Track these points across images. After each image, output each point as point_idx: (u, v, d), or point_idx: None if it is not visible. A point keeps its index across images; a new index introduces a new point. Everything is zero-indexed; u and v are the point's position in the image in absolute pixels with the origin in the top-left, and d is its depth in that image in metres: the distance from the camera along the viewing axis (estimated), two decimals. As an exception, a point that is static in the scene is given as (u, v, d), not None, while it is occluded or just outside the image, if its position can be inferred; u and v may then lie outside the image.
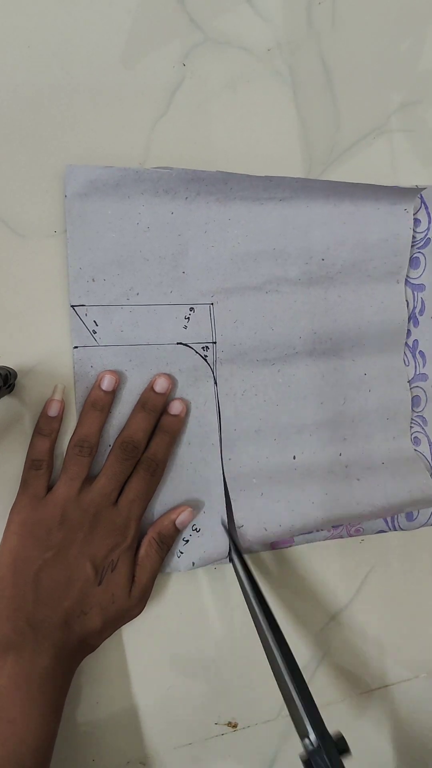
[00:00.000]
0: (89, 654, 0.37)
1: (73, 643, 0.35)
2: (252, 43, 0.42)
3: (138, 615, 0.38)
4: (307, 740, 0.32)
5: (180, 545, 0.39)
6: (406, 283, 0.46)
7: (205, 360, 0.40)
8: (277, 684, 0.35)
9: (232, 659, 0.43)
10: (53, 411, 0.37)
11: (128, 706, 0.41)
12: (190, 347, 0.40)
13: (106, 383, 0.38)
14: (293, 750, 0.44)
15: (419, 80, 0.47)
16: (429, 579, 0.47)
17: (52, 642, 0.34)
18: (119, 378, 0.38)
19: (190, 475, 0.40)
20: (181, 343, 0.40)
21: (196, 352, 0.40)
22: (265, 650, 0.36)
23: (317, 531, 0.43)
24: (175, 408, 0.39)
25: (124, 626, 0.40)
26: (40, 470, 0.36)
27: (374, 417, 0.44)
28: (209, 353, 0.41)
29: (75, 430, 0.38)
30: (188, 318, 0.40)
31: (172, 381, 0.39)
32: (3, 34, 0.38)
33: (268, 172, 0.40)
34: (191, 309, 0.40)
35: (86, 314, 0.38)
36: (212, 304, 0.41)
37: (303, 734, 0.32)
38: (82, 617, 0.35)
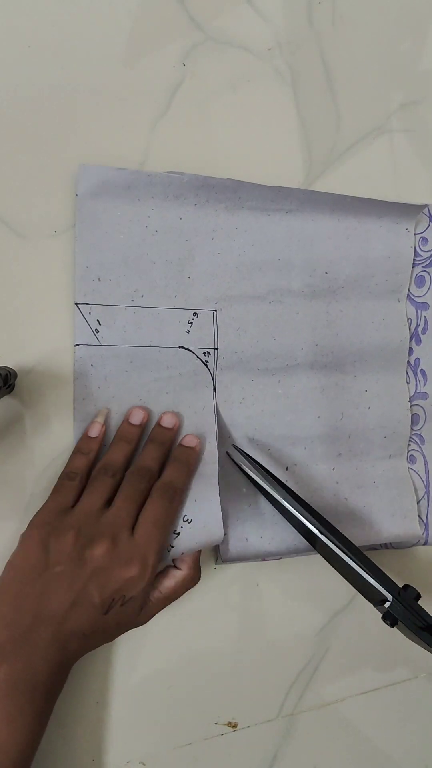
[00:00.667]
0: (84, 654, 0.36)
1: (70, 660, 0.34)
2: (252, 43, 0.42)
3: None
4: (383, 603, 0.36)
5: (171, 538, 0.38)
6: (410, 301, 0.46)
7: (206, 365, 0.41)
8: (335, 567, 0.37)
9: (232, 659, 0.43)
10: (94, 432, 0.38)
11: (128, 706, 0.41)
12: (191, 352, 0.40)
13: (135, 418, 0.38)
14: (293, 750, 0.44)
15: (419, 80, 0.47)
16: (429, 578, 0.47)
17: (46, 660, 0.33)
18: (148, 414, 0.39)
19: None
20: (182, 347, 0.40)
21: (198, 357, 0.40)
22: (310, 540, 0.38)
23: (297, 547, 0.42)
24: (190, 441, 0.39)
25: (124, 626, 0.40)
26: (73, 481, 0.36)
27: (372, 435, 0.44)
28: (210, 359, 0.41)
29: (105, 455, 0.38)
30: (191, 323, 0.40)
31: (179, 417, 0.40)
32: (3, 34, 0.38)
33: (269, 171, 0.40)
34: (195, 314, 0.40)
35: (90, 313, 0.39)
36: (216, 310, 0.41)
37: (377, 598, 0.36)
38: (82, 639, 0.34)
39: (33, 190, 0.38)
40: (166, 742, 0.42)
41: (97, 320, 0.39)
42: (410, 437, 0.46)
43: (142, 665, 0.41)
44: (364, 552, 0.38)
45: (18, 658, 0.32)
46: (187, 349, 0.40)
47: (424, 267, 0.46)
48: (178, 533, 0.38)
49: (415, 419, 0.46)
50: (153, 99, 0.40)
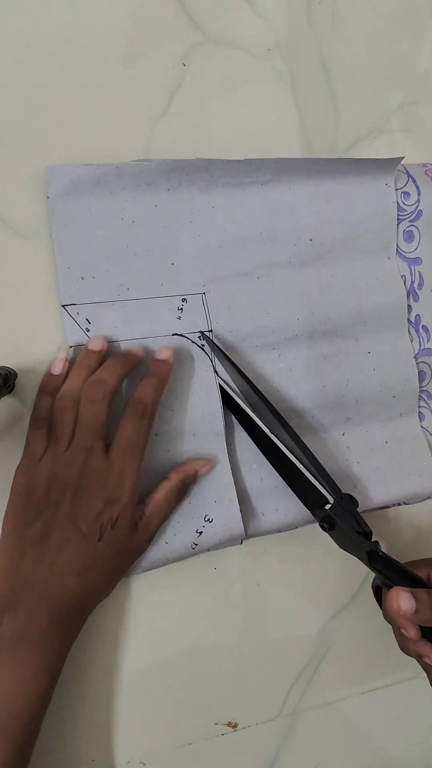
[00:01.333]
0: (98, 603, 0.37)
1: (73, 602, 0.34)
2: (252, 43, 0.42)
3: (143, 552, 0.38)
4: (324, 506, 0.37)
5: (194, 537, 0.39)
6: (401, 258, 0.45)
7: (202, 349, 0.40)
8: (279, 470, 0.38)
9: (232, 659, 0.43)
10: (57, 369, 0.37)
11: (128, 706, 0.41)
12: (185, 337, 0.40)
13: (95, 344, 0.37)
14: (294, 750, 0.44)
15: (419, 80, 0.47)
16: (429, 579, 0.47)
17: (49, 603, 0.33)
18: (107, 342, 0.38)
19: None
20: (176, 334, 0.40)
21: (193, 342, 0.40)
22: (257, 439, 0.39)
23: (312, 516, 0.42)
24: (164, 353, 0.38)
25: (121, 627, 0.40)
26: (41, 429, 0.36)
27: (380, 396, 0.44)
28: (206, 342, 0.41)
29: (61, 389, 0.37)
30: (181, 309, 0.40)
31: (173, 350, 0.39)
32: (3, 34, 0.38)
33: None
34: (183, 300, 0.40)
35: (78, 313, 0.38)
36: (204, 293, 0.41)
37: (319, 502, 0.37)
38: (83, 574, 0.34)
39: (33, 190, 0.38)
40: (167, 742, 0.42)
41: (86, 319, 0.39)
42: (419, 395, 0.46)
43: (142, 665, 0.41)
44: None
45: (21, 607, 0.33)
46: (181, 335, 0.40)
47: (410, 222, 0.45)
48: (201, 532, 0.39)
49: (421, 376, 0.46)
50: (153, 99, 0.40)
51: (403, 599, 0.34)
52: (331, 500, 0.37)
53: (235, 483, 0.41)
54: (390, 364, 0.44)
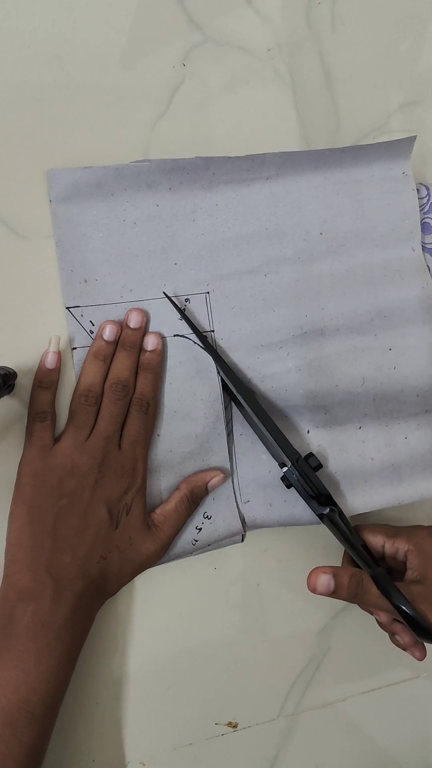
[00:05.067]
0: (108, 599, 0.38)
1: (92, 590, 0.35)
2: (252, 44, 0.42)
3: (156, 563, 0.39)
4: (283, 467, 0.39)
5: (194, 534, 0.40)
6: (423, 249, 0.43)
7: (205, 350, 0.40)
8: (255, 430, 0.40)
9: (232, 659, 0.43)
10: (51, 363, 0.37)
11: (128, 706, 0.41)
12: (187, 338, 0.40)
13: (108, 333, 0.38)
14: (294, 750, 0.44)
15: (419, 80, 0.47)
16: (429, 579, 0.47)
17: (71, 591, 0.34)
18: (120, 327, 0.38)
19: (198, 464, 0.40)
20: (178, 335, 0.40)
21: (195, 343, 0.40)
22: (239, 407, 0.40)
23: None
24: (151, 343, 0.39)
25: (121, 627, 0.40)
26: (45, 422, 0.37)
27: (401, 395, 0.42)
28: (202, 343, 0.40)
29: (78, 380, 0.38)
30: (184, 309, 0.40)
31: (145, 314, 0.39)
32: (3, 34, 0.38)
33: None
34: (186, 300, 0.40)
35: (82, 315, 0.39)
36: (208, 292, 0.40)
37: (282, 463, 0.39)
38: (101, 562, 0.36)
39: (33, 191, 0.38)
40: (167, 742, 0.42)
41: (90, 321, 0.39)
42: None
43: (142, 665, 0.41)
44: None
45: (44, 595, 0.34)
46: (183, 336, 0.40)
47: (425, 213, 0.44)
48: (200, 528, 0.40)
49: None
50: (153, 99, 0.40)
51: (321, 580, 0.36)
52: (288, 463, 0.38)
53: (244, 474, 0.41)
54: (415, 360, 0.42)
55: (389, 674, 0.46)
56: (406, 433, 0.43)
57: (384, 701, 0.46)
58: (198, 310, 0.40)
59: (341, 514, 0.38)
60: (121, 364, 0.38)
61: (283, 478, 0.39)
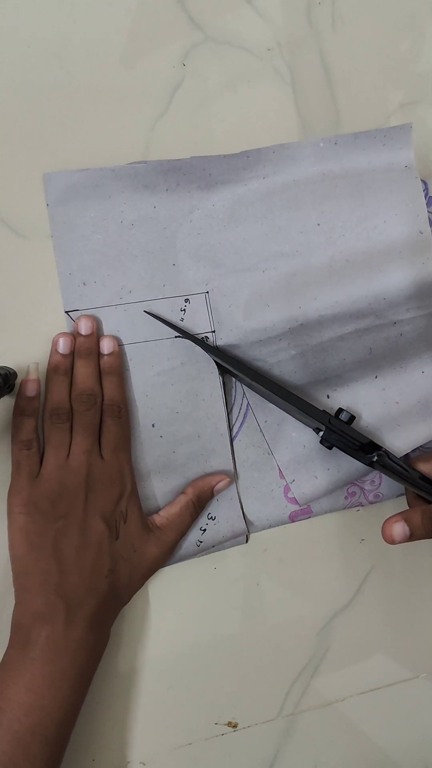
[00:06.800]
0: (121, 609, 0.38)
1: (105, 605, 0.36)
2: (252, 43, 0.42)
3: (162, 566, 0.39)
4: (320, 430, 0.38)
5: (198, 535, 0.40)
6: None
7: (205, 350, 0.40)
8: (281, 407, 0.40)
9: (232, 659, 0.43)
10: (32, 391, 0.37)
11: (128, 706, 0.41)
12: (189, 339, 0.40)
13: (62, 346, 0.37)
14: (294, 750, 0.44)
15: (419, 80, 0.47)
16: (430, 578, 0.47)
17: (84, 611, 0.34)
18: (73, 338, 0.38)
19: (201, 465, 0.40)
20: (179, 336, 0.40)
21: (196, 344, 0.40)
22: (257, 392, 0.40)
23: (359, 468, 0.42)
24: (107, 347, 0.38)
25: (121, 627, 0.40)
26: (32, 449, 0.36)
27: (410, 347, 0.42)
28: (209, 343, 0.40)
29: (45, 400, 0.37)
30: (184, 310, 0.40)
31: (95, 319, 0.39)
32: (3, 34, 0.38)
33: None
34: (186, 300, 0.40)
35: None
36: (208, 292, 0.40)
37: (317, 428, 0.39)
38: (110, 575, 0.36)
39: (33, 191, 0.38)
40: (167, 742, 0.42)
41: None
42: None
43: (141, 665, 0.41)
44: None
45: (57, 618, 0.34)
46: (183, 337, 0.40)
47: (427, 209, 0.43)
48: (204, 530, 0.41)
49: None
50: (153, 99, 0.40)
51: (396, 530, 0.36)
52: (323, 427, 0.38)
53: (281, 458, 0.41)
54: (422, 322, 0.41)
55: (389, 674, 0.46)
56: (422, 367, 0.43)
57: (383, 701, 0.46)
58: (198, 310, 0.40)
59: (389, 454, 0.37)
60: (82, 374, 0.37)
61: (323, 441, 0.38)
